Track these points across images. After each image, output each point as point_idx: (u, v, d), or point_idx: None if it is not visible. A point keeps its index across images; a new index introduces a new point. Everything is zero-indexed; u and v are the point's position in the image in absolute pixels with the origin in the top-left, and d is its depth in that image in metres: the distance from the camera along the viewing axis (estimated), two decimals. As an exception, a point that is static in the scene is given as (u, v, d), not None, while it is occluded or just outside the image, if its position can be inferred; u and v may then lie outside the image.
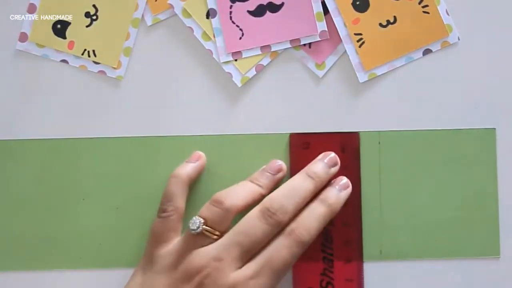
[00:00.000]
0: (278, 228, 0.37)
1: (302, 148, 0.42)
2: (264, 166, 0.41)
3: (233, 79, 0.43)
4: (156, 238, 0.39)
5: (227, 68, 0.43)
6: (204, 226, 0.37)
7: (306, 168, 0.40)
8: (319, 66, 0.43)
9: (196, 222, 0.37)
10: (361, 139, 0.42)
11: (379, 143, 0.42)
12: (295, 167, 0.41)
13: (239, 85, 0.43)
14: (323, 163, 0.40)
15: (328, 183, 0.40)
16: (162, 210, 0.40)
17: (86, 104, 0.43)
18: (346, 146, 0.42)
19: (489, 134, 0.42)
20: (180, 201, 0.40)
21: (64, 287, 0.42)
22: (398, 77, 0.43)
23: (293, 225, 0.37)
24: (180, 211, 0.40)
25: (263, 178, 0.40)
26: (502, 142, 0.42)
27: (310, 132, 0.42)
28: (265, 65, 0.43)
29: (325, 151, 0.41)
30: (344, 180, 0.40)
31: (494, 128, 0.42)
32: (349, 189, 0.40)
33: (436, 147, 0.42)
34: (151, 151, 0.42)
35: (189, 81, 0.43)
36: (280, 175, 0.41)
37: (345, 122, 0.42)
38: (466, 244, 0.42)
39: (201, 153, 0.42)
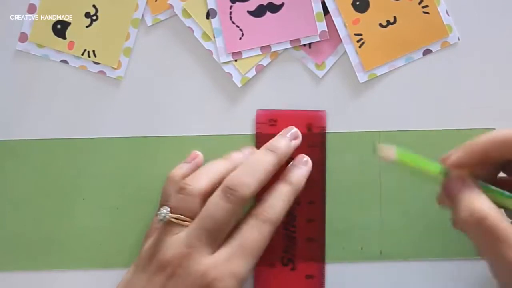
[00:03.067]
0: (243, 205, 0.37)
1: (269, 125, 0.42)
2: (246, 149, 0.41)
3: (233, 79, 0.43)
4: (146, 236, 0.39)
5: (227, 68, 0.43)
6: (170, 214, 0.37)
7: (266, 144, 0.40)
8: (319, 66, 0.43)
9: (163, 212, 0.37)
10: (361, 139, 0.42)
11: (379, 143, 0.42)
12: (260, 144, 0.40)
13: (239, 85, 0.43)
14: (284, 137, 0.40)
15: (290, 162, 0.40)
16: (159, 210, 0.40)
17: (86, 104, 0.43)
18: (313, 124, 0.42)
19: (489, 134, 0.42)
20: None
21: (64, 287, 0.42)
22: (398, 77, 0.43)
23: (259, 206, 0.38)
24: None
25: (237, 155, 0.40)
26: (502, 142, 0.42)
27: (277, 109, 0.42)
28: (265, 65, 0.43)
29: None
30: (304, 157, 0.41)
31: (494, 128, 0.42)
32: (309, 166, 0.40)
33: (436, 147, 0.42)
34: (151, 151, 0.42)
35: (189, 81, 0.43)
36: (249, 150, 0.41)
37: (345, 122, 0.42)
38: (466, 244, 0.42)
39: (198, 152, 0.42)
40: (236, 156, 0.40)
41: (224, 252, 0.36)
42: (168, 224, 0.37)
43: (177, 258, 0.36)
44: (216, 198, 0.37)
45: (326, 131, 0.42)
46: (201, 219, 0.36)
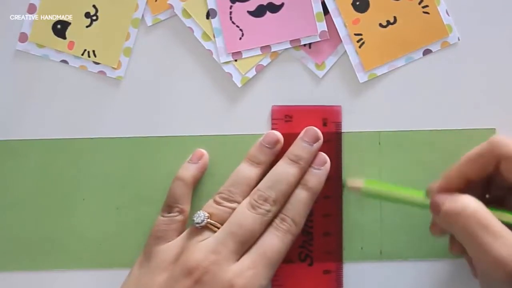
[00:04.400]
0: (270, 216, 0.38)
1: (285, 121, 0.42)
2: (259, 139, 0.41)
3: (233, 79, 0.43)
4: (158, 236, 0.39)
5: (227, 68, 0.43)
6: (209, 220, 0.38)
7: (288, 152, 0.40)
8: (319, 66, 0.43)
9: (201, 215, 0.38)
10: (361, 139, 0.42)
11: (379, 143, 0.42)
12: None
13: (239, 85, 0.43)
14: (304, 142, 0.40)
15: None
16: (167, 211, 0.40)
17: (86, 104, 0.43)
18: (328, 119, 0.42)
19: (489, 134, 0.42)
20: (185, 204, 0.40)
21: (64, 287, 0.42)
22: (398, 77, 0.43)
23: (281, 215, 0.39)
24: (185, 214, 0.40)
25: (262, 155, 0.40)
26: (502, 142, 0.42)
27: (292, 105, 0.42)
28: (265, 65, 0.43)
29: (307, 124, 0.41)
30: (321, 156, 0.41)
31: (494, 128, 0.42)
32: (328, 165, 0.41)
33: (436, 147, 0.42)
34: (151, 151, 0.42)
35: (189, 81, 0.43)
36: (278, 147, 0.41)
37: (345, 122, 0.42)
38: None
39: (202, 151, 0.42)
40: (264, 158, 0.40)
41: (248, 260, 0.37)
42: (197, 229, 0.38)
43: (204, 264, 0.36)
44: (243, 208, 0.38)
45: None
46: (229, 225, 0.38)
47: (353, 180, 0.40)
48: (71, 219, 0.42)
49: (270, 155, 0.40)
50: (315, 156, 0.40)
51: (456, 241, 0.37)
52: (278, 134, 0.41)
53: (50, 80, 0.43)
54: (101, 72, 0.43)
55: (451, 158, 0.42)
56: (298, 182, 0.40)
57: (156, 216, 0.40)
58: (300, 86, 0.43)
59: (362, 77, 0.43)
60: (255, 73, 0.43)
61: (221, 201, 0.39)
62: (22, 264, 0.42)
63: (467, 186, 0.36)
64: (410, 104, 0.43)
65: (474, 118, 0.42)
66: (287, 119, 0.42)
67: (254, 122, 0.42)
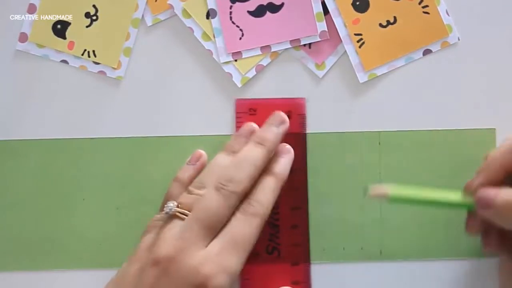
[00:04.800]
0: (236, 199, 0.38)
1: (249, 114, 0.42)
2: (236, 132, 0.41)
3: (233, 79, 0.43)
4: (146, 230, 0.39)
5: (227, 68, 0.43)
6: (176, 208, 0.37)
7: (253, 136, 0.40)
8: (319, 66, 0.43)
9: (170, 205, 0.38)
10: (361, 139, 0.42)
11: (379, 143, 0.42)
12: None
13: (239, 85, 0.43)
14: (269, 125, 0.40)
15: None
16: (161, 209, 0.40)
17: (86, 104, 0.43)
18: (292, 111, 0.42)
19: (489, 134, 0.42)
20: None
21: (64, 287, 0.42)
22: (398, 77, 0.43)
23: (247, 200, 0.38)
24: None
25: (238, 145, 0.40)
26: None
27: (256, 98, 0.42)
28: (265, 65, 0.43)
29: None
30: (286, 146, 0.41)
31: (494, 128, 0.42)
32: (291, 154, 0.41)
33: (436, 147, 0.42)
34: (151, 151, 0.42)
35: (189, 81, 0.43)
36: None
37: (345, 122, 0.42)
38: (466, 244, 0.42)
39: (201, 152, 0.42)
40: (238, 147, 0.40)
41: (216, 245, 0.37)
42: (169, 218, 0.38)
43: (170, 252, 0.36)
44: (210, 192, 0.38)
45: (326, 131, 0.42)
46: (195, 211, 0.37)
47: (376, 187, 0.37)
48: (71, 219, 0.42)
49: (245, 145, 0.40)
50: (281, 140, 0.40)
51: (493, 238, 0.37)
52: (254, 125, 0.41)
53: (50, 80, 0.43)
54: (101, 72, 0.43)
55: (451, 158, 0.42)
56: (264, 164, 0.39)
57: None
58: (300, 86, 0.43)
59: (362, 77, 0.43)
60: (255, 73, 0.43)
61: (192, 189, 0.39)
62: (22, 264, 0.42)
63: (507, 179, 0.36)
64: (410, 104, 0.43)
65: (474, 118, 0.42)
66: (251, 113, 0.42)
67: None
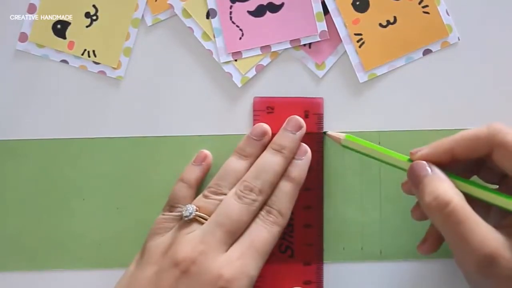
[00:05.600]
0: (257, 207, 0.38)
1: (267, 112, 0.42)
2: (248, 133, 0.41)
3: (233, 79, 0.43)
4: (155, 233, 0.39)
5: (227, 68, 0.43)
6: (197, 213, 0.38)
7: (271, 143, 0.40)
8: (319, 66, 0.43)
9: (189, 208, 0.38)
10: (362, 136, 0.42)
11: (379, 143, 0.42)
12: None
13: (239, 85, 0.43)
14: (287, 131, 0.41)
15: None
16: (168, 210, 0.40)
17: (86, 104, 0.43)
18: (310, 111, 0.42)
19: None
20: (185, 204, 0.40)
21: (64, 287, 0.42)
22: (398, 77, 0.43)
23: (266, 208, 0.39)
24: None
25: (250, 148, 0.41)
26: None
27: (274, 96, 0.42)
28: (265, 65, 0.43)
29: (289, 115, 0.41)
30: (301, 147, 0.41)
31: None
32: (309, 154, 0.41)
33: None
34: (151, 151, 0.42)
35: (189, 81, 0.43)
36: (266, 139, 0.41)
37: (345, 122, 0.42)
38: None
39: (207, 152, 0.42)
40: (251, 151, 0.41)
41: (235, 251, 0.37)
42: (186, 222, 0.38)
43: (191, 254, 0.36)
44: (231, 199, 0.38)
45: (324, 132, 0.42)
46: (216, 216, 0.38)
47: (334, 131, 0.41)
48: (71, 219, 0.42)
49: (258, 148, 0.41)
50: (299, 144, 0.41)
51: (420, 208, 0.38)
52: (266, 126, 0.41)
53: (50, 80, 0.43)
54: (101, 72, 0.43)
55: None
56: (283, 171, 0.40)
57: (156, 216, 0.40)
58: (300, 86, 0.43)
59: (362, 77, 0.43)
60: (255, 73, 0.43)
61: (209, 194, 0.39)
62: (21, 264, 0.42)
63: (452, 162, 0.36)
64: (410, 104, 0.43)
65: (474, 118, 0.42)
66: (269, 111, 0.42)
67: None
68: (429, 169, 0.35)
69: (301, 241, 0.42)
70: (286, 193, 0.39)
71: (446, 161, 0.36)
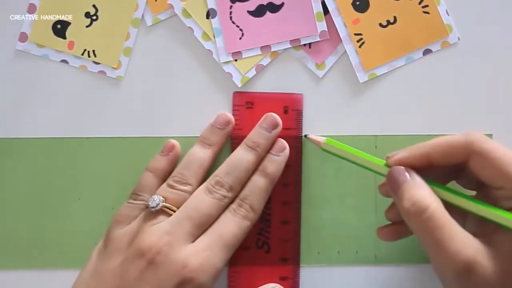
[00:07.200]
0: (226, 201, 0.38)
1: (246, 107, 0.42)
2: (211, 122, 0.41)
3: (233, 79, 0.42)
4: (118, 220, 0.39)
5: (227, 68, 0.43)
6: (164, 204, 0.38)
7: (246, 139, 0.40)
8: (319, 66, 0.43)
9: (156, 199, 0.38)
10: (360, 139, 0.42)
11: (375, 147, 0.42)
12: (237, 127, 0.42)
13: (239, 85, 0.43)
14: (262, 129, 0.41)
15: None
16: (132, 198, 0.40)
17: (86, 104, 0.43)
18: (289, 106, 0.42)
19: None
20: (150, 194, 0.40)
21: (59, 286, 0.42)
22: (398, 77, 0.43)
23: (238, 201, 0.39)
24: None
25: (213, 136, 0.41)
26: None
27: (253, 91, 0.42)
28: (265, 65, 0.43)
29: (268, 111, 0.41)
30: (280, 143, 0.41)
31: (491, 134, 0.42)
32: (287, 151, 0.41)
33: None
34: (150, 151, 0.42)
35: (189, 81, 0.43)
36: (229, 128, 0.41)
37: (345, 122, 0.42)
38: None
39: (174, 142, 0.42)
40: (215, 139, 0.41)
41: (203, 242, 0.37)
42: (153, 213, 0.38)
43: (157, 244, 0.36)
44: (200, 192, 0.38)
45: (324, 134, 0.42)
46: (185, 208, 0.38)
47: (315, 135, 0.40)
48: (66, 218, 0.42)
49: (222, 136, 0.41)
50: (274, 142, 0.41)
51: (395, 209, 0.37)
52: (229, 115, 0.41)
53: (50, 80, 0.43)
54: (101, 72, 0.43)
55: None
56: (256, 168, 0.40)
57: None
58: (300, 86, 0.43)
59: (362, 77, 0.42)
60: (255, 73, 0.43)
61: (174, 184, 0.39)
62: (16, 263, 0.42)
63: (430, 167, 0.36)
64: (410, 104, 0.42)
65: (474, 118, 0.42)
66: (249, 106, 0.42)
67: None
68: (407, 174, 0.35)
69: (278, 237, 0.41)
70: (259, 188, 0.39)
71: (422, 165, 0.36)
